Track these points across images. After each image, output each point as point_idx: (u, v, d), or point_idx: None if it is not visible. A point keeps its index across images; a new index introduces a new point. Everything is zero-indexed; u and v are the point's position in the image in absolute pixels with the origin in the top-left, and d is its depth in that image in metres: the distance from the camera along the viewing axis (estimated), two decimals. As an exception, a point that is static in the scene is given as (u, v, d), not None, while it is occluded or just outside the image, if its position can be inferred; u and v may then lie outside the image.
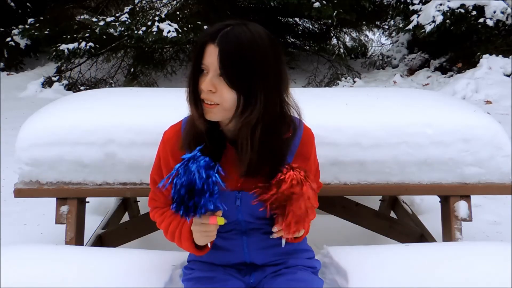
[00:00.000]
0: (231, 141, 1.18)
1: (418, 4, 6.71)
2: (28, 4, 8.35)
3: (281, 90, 1.15)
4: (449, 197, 1.83)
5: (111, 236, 2.18)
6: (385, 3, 8.21)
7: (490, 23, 6.11)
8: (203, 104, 1.12)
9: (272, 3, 6.89)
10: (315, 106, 1.81)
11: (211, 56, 1.07)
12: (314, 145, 1.29)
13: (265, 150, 1.14)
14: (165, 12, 7.29)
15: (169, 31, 6.03)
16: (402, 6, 7.06)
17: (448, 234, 1.85)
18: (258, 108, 1.09)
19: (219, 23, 1.10)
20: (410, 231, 2.22)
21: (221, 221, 1.12)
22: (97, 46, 6.50)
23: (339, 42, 8.52)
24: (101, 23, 6.19)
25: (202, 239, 1.16)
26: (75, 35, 6.53)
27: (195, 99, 1.13)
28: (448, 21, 6.17)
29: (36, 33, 6.74)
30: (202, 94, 1.11)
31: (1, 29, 7.86)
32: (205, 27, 6.19)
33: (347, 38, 9.15)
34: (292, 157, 1.21)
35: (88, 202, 1.94)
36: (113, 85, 6.90)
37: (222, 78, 1.07)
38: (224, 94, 1.08)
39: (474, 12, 6.20)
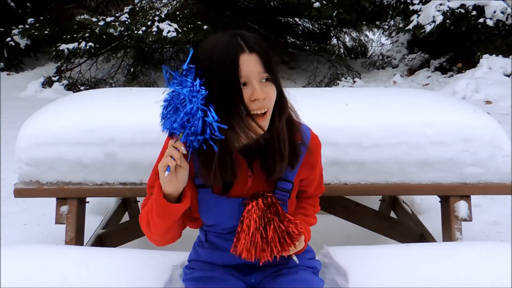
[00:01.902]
0: (239, 149, 1.18)
1: (418, 4, 6.71)
2: (28, 4, 8.35)
3: None
4: (449, 197, 1.84)
5: (111, 236, 2.18)
6: (385, 3, 8.21)
7: (490, 23, 6.11)
8: (255, 119, 1.07)
9: (272, 3, 6.89)
10: (315, 106, 1.81)
11: (249, 64, 1.05)
12: (320, 154, 1.29)
13: (290, 146, 1.17)
14: (165, 12, 7.29)
15: (169, 31, 6.03)
16: (402, 6, 7.06)
17: (448, 234, 1.85)
18: (285, 100, 1.15)
19: (226, 37, 1.08)
20: (410, 231, 2.22)
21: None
22: (97, 46, 6.50)
23: (339, 42, 8.51)
24: (101, 23, 6.18)
25: (165, 180, 1.07)
26: (75, 35, 6.53)
27: (250, 114, 1.07)
28: (448, 21, 6.17)
29: (36, 33, 6.74)
30: (255, 104, 1.06)
31: (1, 29, 7.87)
32: (205, 27, 6.19)
33: (347, 38, 9.14)
34: (298, 165, 1.21)
35: (88, 202, 1.94)
36: (113, 85, 6.90)
37: (267, 79, 1.08)
38: (271, 96, 1.09)
39: (474, 12, 6.20)
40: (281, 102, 1.14)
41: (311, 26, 8.83)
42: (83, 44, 6.37)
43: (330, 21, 7.92)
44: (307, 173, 1.25)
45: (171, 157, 1.04)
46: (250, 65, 1.05)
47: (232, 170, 1.12)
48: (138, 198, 2.65)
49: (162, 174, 1.05)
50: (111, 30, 6.22)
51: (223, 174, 1.12)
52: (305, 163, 1.23)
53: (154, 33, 6.00)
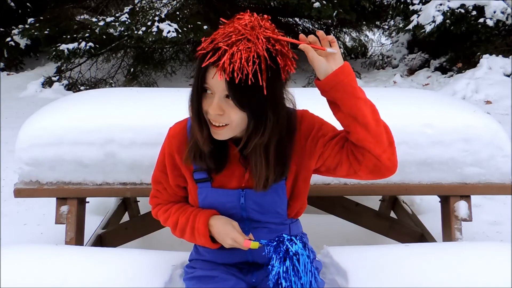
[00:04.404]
0: (233, 140, 1.18)
1: (418, 4, 6.71)
2: (28, 4, 8.34)
3: (283, 97, 1.14)
4: (449, 197, 1.84)
5: (111, 236, 2.18)
6: (385, 3, 8.20)
7: (490, 23, 6.11)
8: (211, 126, 1.10)
9: (272, 3, 6.89)
10: (315, 107, 1.81)
11: (215, 78, 1.03)
12: (308, 122, 1.21)
13: (279, 161, 1.15)
14: (165, 12, 7.28)
15: (169, 31, 6.02)
16: (402, 6, 7.05)
17: (448, 234, 1.85)
18: (269, 126, 1.08)
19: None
20: (410, 231, 2.22)
21: (255, 245, 1.12)
22: (97, 46, 6.49)
23: (339, 42, 8.51)
24: (101, 23, 6.18)
25: (228, 245, 1.17)
26: (75, 35, 6.52)
27: (200, 122, 1.10)
28: (448, 21, 6.17)
29: (36, 33, 6.73)
30: (208, 115, 1.08)
31: (1, 29, 7.86)
32: (205, 27, 6.19)
33: (347, 38, 9.14)
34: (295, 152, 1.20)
35: (88, 202, 1.94)
36: (113, 85, 6.89)
37: (230, 99, 1.04)
38: (232, 116, 1.06)
39: (474, 12, 6.20)
40: (254, 129, 1.08)
41: (311, 26, 8.82)
42: (83, 44, 6.36)
43: (330, 21, 7.92)
44: (309, 146, 1.20)
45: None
46: (216, 79, 1.03)
47: (211, 159, 1.16)
48: (138, 198, 2.65)
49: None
50: (111, 30, 6.21)
51: (200, 158, 1.16)
52: (297, 146, 1.20)
53: (154, 33, 6.00)
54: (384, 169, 1.11)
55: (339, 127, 1.17)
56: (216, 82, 1.04)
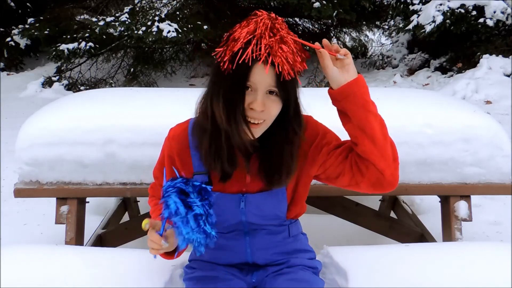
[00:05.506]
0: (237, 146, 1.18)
1: (418, 4, 6.71)
2: (28, 4, 8.34)
3: None
4: (449, 197, 1.84)
5: (111, 236, 2.18)
6: (385, 3, 8.20)
7: (490, 23, 6.11)
8: (249, 124, 1.09)
9: (272, 3, 6.88)
10: (315, 107, 1.81)
11: (261, 74, 1.04)
12: (313, 129, 1.23)
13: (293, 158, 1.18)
14: (165, 12, 7.28)
15: (169, 31, 6.02)
16: (402, 6, 7.05)
17: (448, 234, 1.85)
18: (302, 118, 1.13)
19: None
20: (410, 231, 2.22)
21: (145, 222, 1.14)
22: (97, 46, 6.49)
23: (339, 42, 8.51)
24: (101, 23, 6.18)
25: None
26: (75, 35, 6.52)
27: (245, 121, 1.07)
28: (448, 21, 6.16)
29: (36, 33, 6.73)
30: (251, 112, 1.07)
31: (1, 29, 7.86)
32: (205, 27, 6.19)
33: (347, 38, 9.13)
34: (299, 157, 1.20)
35: (88, 202, 1.95)
36: (113, 85, 6.89)
37: (275, 95, 1.06)
38: (272, 111, 1.08)
39: (474, 12, 6.19)
40: (287, 119, 1.11)
41: (311, 26, 8.82)
42: (83, 44, 6.36)
43: (330, 21, 7.91)
44: (313, 153, 1.21)
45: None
46: (261, 75, 1.04)
47: (231, 161, 1.14)
48: (138, 198, 2.65)
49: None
50: (111, 30, 6.20)
51: (218, 162, 1.14)
52: (300, 151, 1.20)
53: (154, 33, 5.99)
54: (385, 183, 1.13)
55: (340, 134, 1.19)
56: (261, 78, 1.04)
